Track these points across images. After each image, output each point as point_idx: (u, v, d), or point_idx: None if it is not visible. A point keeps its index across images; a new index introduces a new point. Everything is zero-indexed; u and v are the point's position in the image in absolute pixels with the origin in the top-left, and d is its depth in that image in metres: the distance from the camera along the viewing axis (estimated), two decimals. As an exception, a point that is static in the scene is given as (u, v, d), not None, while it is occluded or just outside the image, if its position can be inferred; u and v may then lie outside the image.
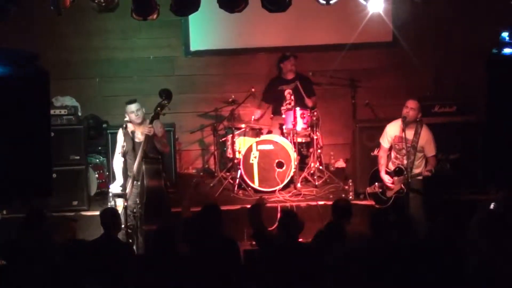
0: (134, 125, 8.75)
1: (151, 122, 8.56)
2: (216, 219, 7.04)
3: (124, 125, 8.76)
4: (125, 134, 8.78)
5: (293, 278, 6.53)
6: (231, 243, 6.98)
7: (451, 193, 9.42)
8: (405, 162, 8.71)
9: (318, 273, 6.52)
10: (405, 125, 8.74)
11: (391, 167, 8.97)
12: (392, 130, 9.02)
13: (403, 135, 8.71)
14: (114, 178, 8.98)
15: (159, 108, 8.55)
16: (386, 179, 8.91)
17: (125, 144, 8.69)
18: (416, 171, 8.75)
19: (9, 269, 6.70)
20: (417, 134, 8.79)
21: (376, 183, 9.04)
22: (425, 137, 8.83)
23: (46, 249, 6.95)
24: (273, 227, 7.95)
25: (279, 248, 6.82)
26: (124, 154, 8.64)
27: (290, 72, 10.89)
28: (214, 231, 6.97)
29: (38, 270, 6.62)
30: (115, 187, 8.80)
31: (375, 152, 9.64)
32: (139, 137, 8.69)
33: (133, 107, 8.73)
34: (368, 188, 9.18)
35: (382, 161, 9.04)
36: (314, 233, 7.26)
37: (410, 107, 8.81)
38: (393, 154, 9.01)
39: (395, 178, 8.83)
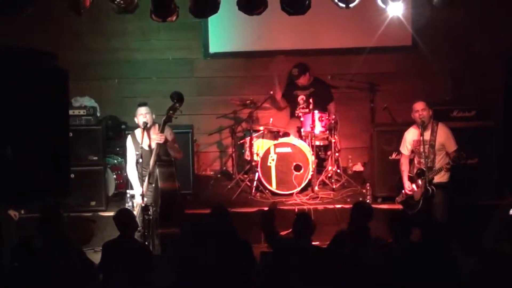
0: (142, 131, 8.53)
1: (163, 125, 8.37)
2: (225, 221, 7.04)
3: (132, 133, 8.74)
4: (134, 142, 8.66)
5: (306, 281, 6.53)
6: (243, 244, 6.99)
7: (470, 197, 9.38)
8: (423, 162, 8.67)
9: (332, 276, 6.51)
10: (424, 128, 8.71)
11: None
12: (410, 136, 8.99)
13: (421, 138, 8.68)
14: (131, 187, 8.89)
15: (171, 111, 8.32)
16: (406, 185, 8.88)
17: (136, 151, 8.53)
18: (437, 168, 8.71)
19: (22, 269, 6.73)
20: (433, 133, 8.76)
21: (403, 190, 8.99)
22: (443, 134, 8.79)
23: (63, 249, 6.98)
24: (289, 231, 7.93)
25: (291, 250, 6.82)
26: (137, 161, 8.49)
27: (304, 83, 10.87)
28: (225, 232, 6.98)
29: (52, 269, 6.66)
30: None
31: (393, 156, 9.62)
32: (147, 144, 8.51)
33: (142, 109, 8.55)
34: (397, 198, 9.10)
35: (403, 167, 9.02)
36: (331, 236, 7.24)
37: (421, 109, 8.77)
38: (416, 160, 8.97)
39: (419, 181, 8.78)
